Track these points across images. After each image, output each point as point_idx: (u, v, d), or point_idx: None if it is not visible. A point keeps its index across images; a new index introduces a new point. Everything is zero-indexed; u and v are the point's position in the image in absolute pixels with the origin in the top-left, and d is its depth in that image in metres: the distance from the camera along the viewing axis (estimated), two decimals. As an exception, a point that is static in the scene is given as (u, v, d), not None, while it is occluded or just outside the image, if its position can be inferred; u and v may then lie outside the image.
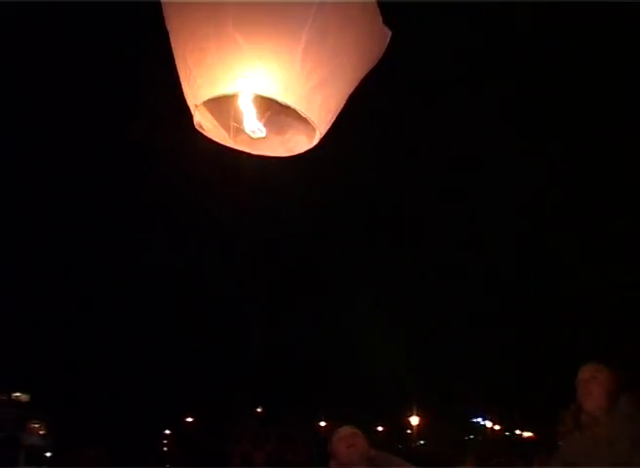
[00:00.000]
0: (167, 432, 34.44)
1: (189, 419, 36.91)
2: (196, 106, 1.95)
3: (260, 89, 1.80)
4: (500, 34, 12.71)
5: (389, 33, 2.07)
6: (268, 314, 27.86)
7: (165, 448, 32.74)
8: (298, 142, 2.13)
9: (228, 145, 2.15)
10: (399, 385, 29.43)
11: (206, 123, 2.08)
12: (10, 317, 25.65)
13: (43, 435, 25.53)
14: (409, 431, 35.10)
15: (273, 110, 2.04)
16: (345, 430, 3.62)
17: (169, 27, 1.97)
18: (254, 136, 2.03)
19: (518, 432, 37.44)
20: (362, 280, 26.43)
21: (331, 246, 24.73)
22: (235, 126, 2.05)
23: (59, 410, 28.00)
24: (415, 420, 34.22)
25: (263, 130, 2.02)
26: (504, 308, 25.92)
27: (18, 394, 30.83)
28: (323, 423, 36.57)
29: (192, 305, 28.31)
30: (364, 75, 2.13)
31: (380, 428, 33.41)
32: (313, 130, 2.04)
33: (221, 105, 2.02)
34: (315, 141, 2.08)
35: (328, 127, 2.05)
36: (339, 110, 2.06)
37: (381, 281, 27.15)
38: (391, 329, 28.40)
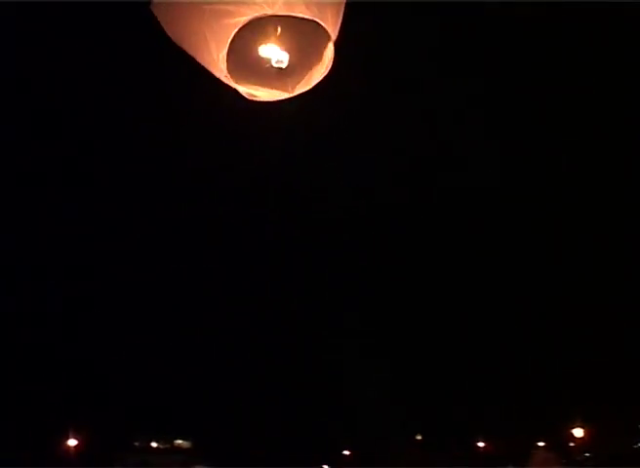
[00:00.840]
0: (325, 467, 34.67)
1: (346, 452, 36.99)
2: (227, 77, 2.32)
3: (248, 17, 2.16)
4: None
5: None
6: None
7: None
8: (329, 53, 2.42)
9: (287, 97, 2.49)
10: (559, 396, 28.24)
11: (259, 93, 2.46)
12: (166, 369, 26.78)
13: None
14: (572, 444, 33.35)
15: (305, 50, 2.38)
16: (540, 454, 3.80)
17: (175, 39, 2.33)
18: (281, 66, 2.35)
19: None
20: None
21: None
22: (289, 80, 2.43)
23: (220, 455, 28.91)
24: (579, 432, 32.52)
25: (286, 56, 2.34)
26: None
27: (179, 441, 32.27)
28: (481, 444, 35.61)
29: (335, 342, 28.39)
30: None
31: (541, 443, 32.00)
32: (329, 36, 2.32)
33: (263, 73, 2.39)
34: (333, 36, 2.32)
35: (337, 20, 2.29)
36: (340, 4, 2.29)
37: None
38: (547, 337, 27.27)
